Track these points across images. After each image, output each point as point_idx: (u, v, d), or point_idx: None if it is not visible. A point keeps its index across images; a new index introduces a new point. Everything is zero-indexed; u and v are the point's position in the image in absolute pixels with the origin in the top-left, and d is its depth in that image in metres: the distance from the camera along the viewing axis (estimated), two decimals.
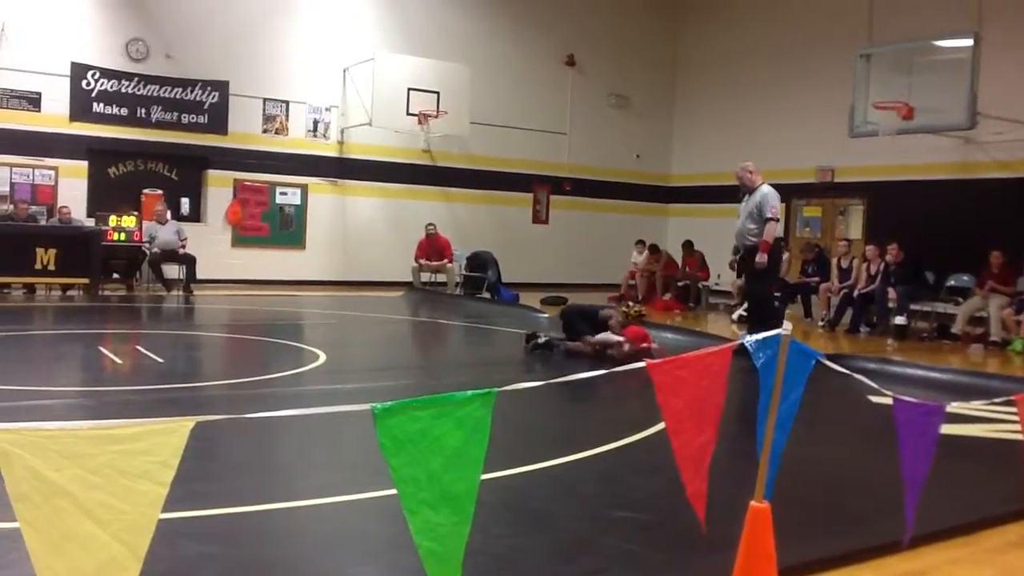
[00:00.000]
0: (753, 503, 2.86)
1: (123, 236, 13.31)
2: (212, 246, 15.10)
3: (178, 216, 14.73)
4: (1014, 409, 4.10)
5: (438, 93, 15.86)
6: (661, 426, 3.52)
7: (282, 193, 16.11)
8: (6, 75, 13.78)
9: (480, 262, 16.15)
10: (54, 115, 14.14)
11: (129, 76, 14.66)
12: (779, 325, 2.91)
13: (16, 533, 1.76)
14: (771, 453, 2.94)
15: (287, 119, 16.03)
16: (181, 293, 13.39)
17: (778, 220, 9.06)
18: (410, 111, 15.67)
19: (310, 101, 16.19)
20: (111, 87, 14.54)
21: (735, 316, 13.28)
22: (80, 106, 14.33)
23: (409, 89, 15.65)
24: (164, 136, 14.96)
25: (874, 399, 6.43)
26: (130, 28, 14.71)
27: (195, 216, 15.46)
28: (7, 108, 13.82)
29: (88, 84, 14.37)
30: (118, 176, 15.01)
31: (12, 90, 13.85)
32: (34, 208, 13.67)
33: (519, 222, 18.47)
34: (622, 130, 19.44)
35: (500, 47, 17.88)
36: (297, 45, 15.95)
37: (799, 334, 4.59)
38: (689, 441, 2.94)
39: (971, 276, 12.36)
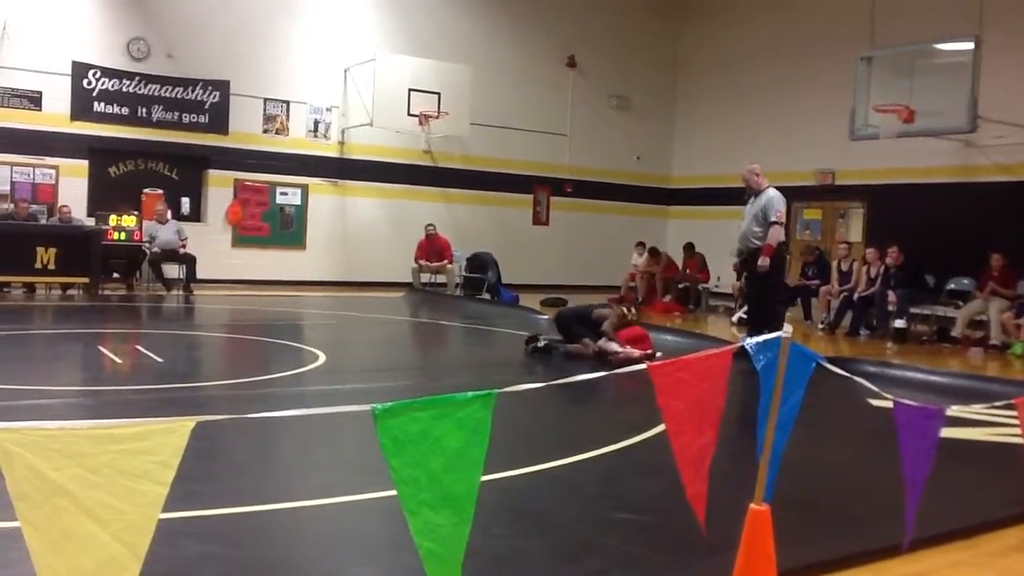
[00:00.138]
0: (753, 505, 2.86)
1: (123, 235, 13.31)
2: (212, 246, 15.11)
3: (178, 216, 14.73)
4: (1014, 413, 4.10)
5: (439, 94, 15.88)
6: (661, 428, 3.52)
7: (282, 193, 16.12)
8: (7, 74, 13.79)
9: (480, 263, 16.16)
10: (55, 114, 14.14)
11: (130, 75, 14.67)
12: (779, 328, 2.92)
13: (17, 532, 1.76)
14: (771, 455, 2.94)
15: (288, 119, 16.04)
16: (181, 293, 13.39)
17: (783, 224, 8.96)
18: (411, 112, 15.68)
19: (311, 101, 16.19)
20: (112, 86, 14.55)
21: (735, 318, 13.28)
22: (81, 105, 14.34)
23: (410, 90, 15.67)
24: (165, 136, 14.97)
25: (874, 402, 6.42)
26: (131, 27, 14.72)
27: (195, 216, 15.46)
28: (8, 107, 13.83)
29: (89, 83, 14.38)
30: (119, 175, 15.02)
31: (13, 89, 13.86)
32: (34, 207, 13.67)
33: (519, 223, 18.48)
34: (623, 131, 19.45)
35: (501, 48, 17.89)
36: (298, 45, 15.96)
37: (799, 337, 4.59)
38: (689, 443, 2.94)
39: (971, 280, 12.36)
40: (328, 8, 16.19)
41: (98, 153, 14.62)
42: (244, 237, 15.78)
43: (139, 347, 8.33)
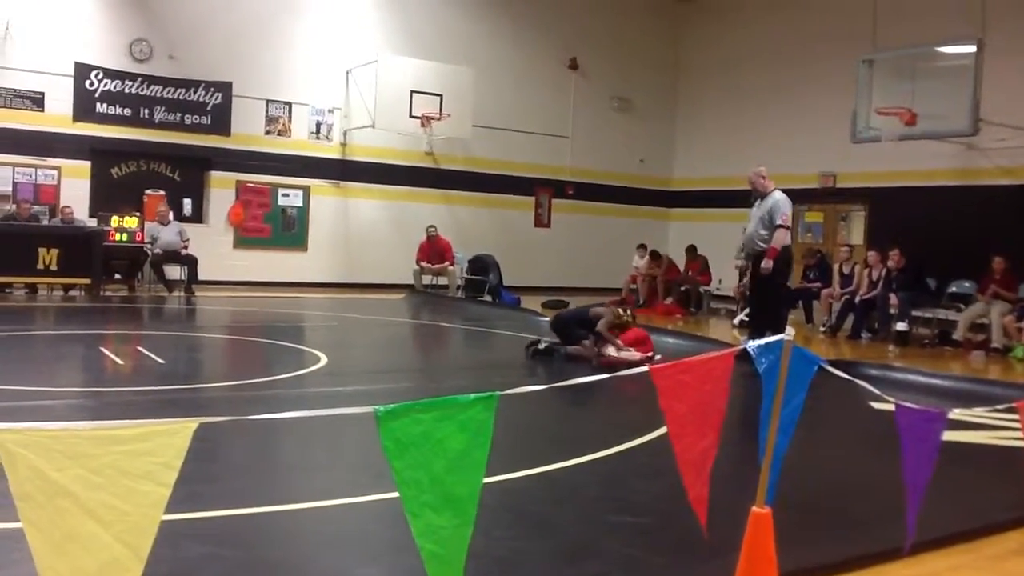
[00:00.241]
0: (755, 508, 2.86)
1: (125, 237, 13.32)
2: (214, 247, 15.11)
3: (180, 217, 14.75)
4: (1016, 416, 4.10)
5: (441, 96, 15.89)
6: (663, 430, 3.52)
7: (284, 195, 16.13)
8: (10, 75, 13.80)
9: (482, 265, 16.16)
10: (57, 115, 14.16)
11: (132, 76, 14.68)
12: (782, 331, 2.92)
13: (19, 533, 1.76)
14: (773, 458, 2.94)
15: (290, 121, 16.05)
16: (183, 294, 13.39)
17: (788, 228, 8.96)
18: (413, 113, 15.69)
19: (313, 103, 16.21)
20: (114, 87, 14.56)
21: (736, 321, 13.27)
22: (83, 106, 14.35)
23: (412, 91, 15.67)
24: (167, 137, 14.98)
25: (876, 405, 6.42)
26: (134, 28, 14.73)
27: (197, 217, 15.47)
28: (10, 108, 13.84)
29: (91, 84, 14.39)
30: (121, 176, 15.04)
31: (16, 90, 13.87)
32: (36, 208, 13.68)
33: (521, 225, 18.48)
34: (624, 133, 19.45)
35: (503, 50, 17.90)
36: (300, 47, 15.98)
37: (801, 340, 4.59)
38: (691, 446, 2.94)
39: (973, 283, 12.35)
40: (330, 10, 16.21)
41: (100, 154, 14.64)
42: (246, 238, 15.79)
43: (141, 348, 8.33)
